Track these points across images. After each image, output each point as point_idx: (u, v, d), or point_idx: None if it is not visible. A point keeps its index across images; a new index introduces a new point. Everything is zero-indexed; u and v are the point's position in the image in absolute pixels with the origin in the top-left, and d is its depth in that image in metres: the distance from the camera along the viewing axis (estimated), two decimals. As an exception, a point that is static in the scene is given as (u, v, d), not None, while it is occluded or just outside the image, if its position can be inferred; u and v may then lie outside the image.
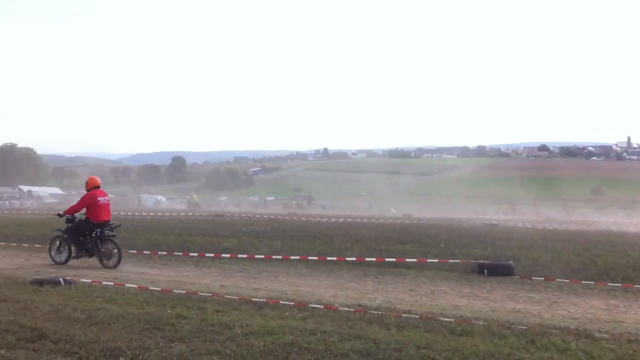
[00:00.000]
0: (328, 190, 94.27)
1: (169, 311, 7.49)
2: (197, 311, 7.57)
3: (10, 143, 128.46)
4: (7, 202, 71.55)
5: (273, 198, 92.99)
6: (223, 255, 14.22)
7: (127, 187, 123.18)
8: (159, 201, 75.45)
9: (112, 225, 13.62)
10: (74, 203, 14.35)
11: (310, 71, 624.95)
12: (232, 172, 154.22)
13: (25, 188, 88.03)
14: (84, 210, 13.55)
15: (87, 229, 13.30)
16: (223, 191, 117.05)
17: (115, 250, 13.01)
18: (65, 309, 7.46)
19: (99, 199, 13.53)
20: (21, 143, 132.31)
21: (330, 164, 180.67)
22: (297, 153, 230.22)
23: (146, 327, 6.59)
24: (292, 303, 8.33)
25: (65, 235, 13.54)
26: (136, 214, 38.88)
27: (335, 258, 13.81)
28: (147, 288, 9.45)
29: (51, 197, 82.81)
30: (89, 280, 10.16)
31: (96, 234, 13.15)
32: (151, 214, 40.00)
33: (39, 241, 17.05)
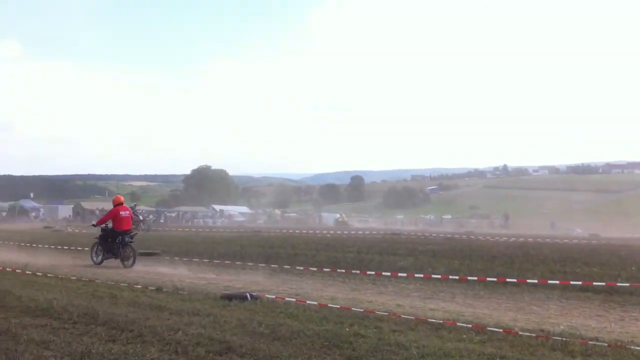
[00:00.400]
0: (506, 209, 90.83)
1: (347, 329, 7.66)
2: (374, 330, 7.66)
3: (205, 165, 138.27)
4: (201, 220, 77.16)
5: (450, 216, 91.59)
6: (400, 274, 14.25)
7: (308, 206, 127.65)
8: (338, 219, 77.21)
9: (132, 234, 17.23)
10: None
11: (487, 86, 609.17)
12: (408, 191, 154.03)
13: (217, 207, 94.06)
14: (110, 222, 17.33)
15: (112, 237, 16.93)
16: (400, 209, 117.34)
17: (132, 254, 16.62)
18: (251, 323, 7.83)
19: (121, 213, 17.17)
20: (215, 165, 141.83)
21: (509, 181, 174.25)
22: (475, 170, 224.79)
23: (325, 344, 6.77)
24: (470, 325, 8.17)
25: (98, 241, 17.23)
26: (317, 232, 40.17)
27: (515, 280, 13.27)
28: (327, 305, 9.73)
29: (240, 215, 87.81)
30: (273, 296, 10.67)
31: (119, 240, 16.77)
32: (331, 232, 41.10)
33: (229, 257, 18.22)
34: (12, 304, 9.04)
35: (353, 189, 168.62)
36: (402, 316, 8.79)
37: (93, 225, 18.35)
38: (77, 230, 39.94)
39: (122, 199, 18.13)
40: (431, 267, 15.85)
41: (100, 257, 17.09)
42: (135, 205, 43.31)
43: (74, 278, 13.18)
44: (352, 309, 9.36)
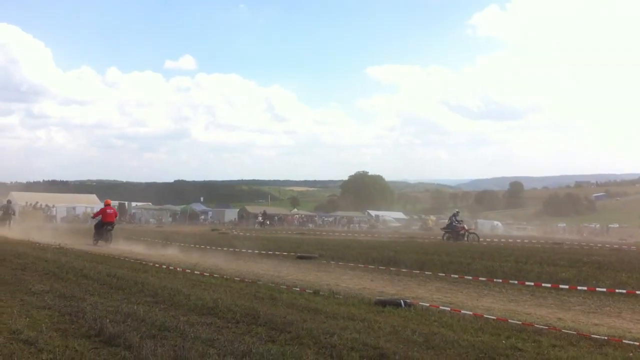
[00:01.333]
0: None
1: (503, 341, 7.45)
2: (533, 344, 7.39)
3: (363, 171, 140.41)
4: (357, 225, 78.23)
5: (617, 225, 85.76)
6: (561, 285, 13.59)
7: (464, 212, 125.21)
8: (495, 226, 75.11)
9: (113, 225, 26.18)
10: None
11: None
12: (572, 197, 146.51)
13: (373, 213, 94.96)
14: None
15: (101, 226, 25.77)
16: (561, 217, 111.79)
17: (111, 238, 25.58)
18: (405, 330, 7.84)
19: (107, 210, 26.32)
20: (372, 170, 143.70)
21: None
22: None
23: (480, 355, 6.65)
24: (637, 343, 7.63)
25: (94, 230, 26.18)
26: (473, 239, 39.25)
27: (693, 296, 12.22)
28: (482, 316, 9.52)
29: (395, 221, 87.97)
30: (427, 304, 10.61)
31: (105, 228, 25.66)
32: (487, 239, 40.02)
33: (383, 263, 18.34)
34: (181, 303, 9.70)
35: (511, 195, 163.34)
36: (563, 330, 8.40)
37: (93, 217, 30.06)
38: (241, 233, 41.96)
39: (109, 202, 28.60)
40: (596, 280, 14.95)
41: (96, 241, 25.45)
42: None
43: (238, 279, 13.88)
44: (509, 320, 9.08)
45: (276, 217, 79.28)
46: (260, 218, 64.30)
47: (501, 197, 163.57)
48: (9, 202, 40.04)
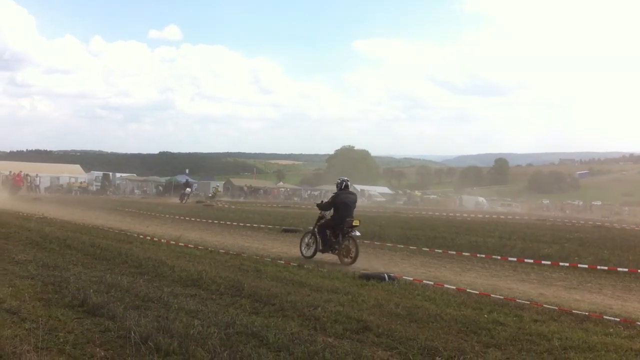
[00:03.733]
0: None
1: (485, 315, 7.53)
2: (514, 318, 7.48)
3: (349, 145, 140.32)
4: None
5: (600, 203, 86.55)
6: (543, 262, 13.72)
7: (449, 188, 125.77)
8: (479, 202, 75.55)
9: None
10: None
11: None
12: (556, 175, 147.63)
13: (358, 187, 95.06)
14: None
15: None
16: (545, 194, 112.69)
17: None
18: (388, 304, 7.90)
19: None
20: (358, 145, 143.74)
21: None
22: (631, 155, 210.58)
23: (462, 329, 6.71)
24: (618, 319, 7.75)
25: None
26: (457, 214, 39.54)
27: (672, 273, 12.39)
28: (465, 290, 9.61)
29: (380, 196, 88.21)
30: (411, 278, 10.69)
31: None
32: (471, 215, 40.28)
33: (368, 237, 18.36)
34: (165, 274, 9.70)
35: (496, 171, 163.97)
36: (545, 306, 8.50)
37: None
38: (226, 206, 41.91)
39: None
40: (578, 256, 15.14)
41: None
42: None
43: (222, 251, 13.88)
44: (492, 295, 9.18)
45: (261, 190, 79.19)
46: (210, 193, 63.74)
47: (486, 173, 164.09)
48: None
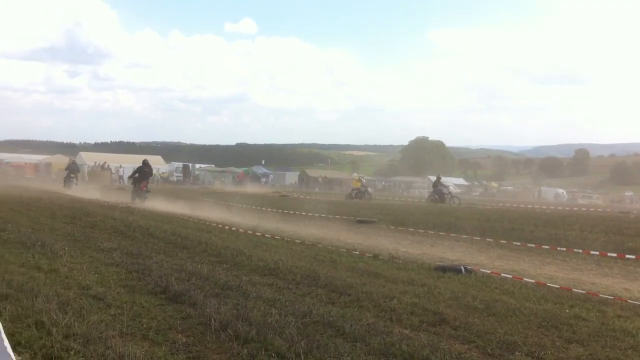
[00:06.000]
0: None
1: (567, 310, 7.34)
2: (597, 314, 7.25)
3: (423, 136, 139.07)
4: (417, 190, 77.72)
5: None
6: (627, 255, 13.18)
7: (527, 180, 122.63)
8: (559, 194, 73.43)
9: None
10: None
11: None
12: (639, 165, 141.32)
13: (433, 178, 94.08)
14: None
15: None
16: (629, 186, 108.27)
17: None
18: (465, 297, 7.81)
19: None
20: (432, 136, 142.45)
21: None
22: None
23: (543, 324, 6.56)
24: None
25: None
26: (536, 206, 38.53)
27: None
28: (545, 284, 9.38)
29: (456, 187, 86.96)
30: (488, 271, 10.51)
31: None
32: (550, 207, 39.17)
33: (443, 229, 18.19)
34: (243, 263, 9.90)
35: (576, 162, 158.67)
36: (629, 301, 8.20)
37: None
38: (301, 197, 42.29)
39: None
40: (665, 251, 14.49)
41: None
42: None
43: (298, 241, 14.04)
44: (573, 289, 8.92)
45: (336, 181, 79.50)
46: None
47: (566, 164, 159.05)
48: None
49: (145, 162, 28.41)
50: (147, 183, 27.90)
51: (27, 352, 4.79)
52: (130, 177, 30.22)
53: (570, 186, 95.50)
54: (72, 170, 38.14)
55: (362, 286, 8.12)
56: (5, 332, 3.05)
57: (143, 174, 27.56)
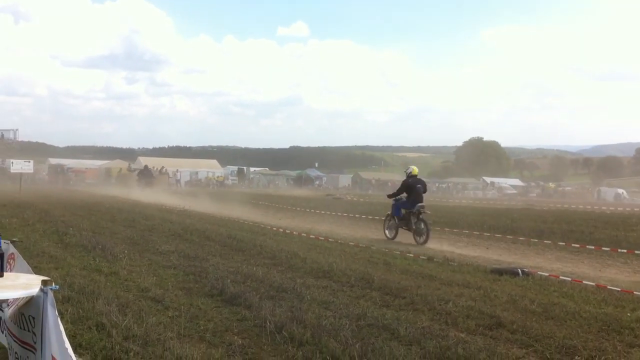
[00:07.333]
0: None
1: (628, 314, 7.12)
2: (661, 318, 7.03)
3: (477, 137, 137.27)
4: (471, 192, 76.78)
5: None
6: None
7: (586, 180, 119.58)
8: (619, 195, 71.28)
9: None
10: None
11: None
12: None
13: (488, 179, 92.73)
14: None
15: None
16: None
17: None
18: (522, 300, 7.67)
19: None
20: (487, 136, 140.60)
21: None
22: None
23: (603, 328, 6.39)
24: None
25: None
26: (595, 207, 37.55)
27: None
28: (606, 287, 9.13)
29: (511, 188, 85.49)
30: (546, 274, 10.30)
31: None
32: (611, 208, 38.09)
33: (499, 231, 17.94)
34: (297, 265, 9.96)
35: (638, 162, 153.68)
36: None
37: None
38: (354, 199, 42.27)
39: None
40: None
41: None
42: None
43: (352, 244, 14.06)
44: (635, 293, 8.66)
45: (390, 183, 79.20)
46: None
47: (626, 163, 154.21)
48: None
49: (145, 167, 34.29)
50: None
51: (87, 353, 4.95)
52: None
53: (631, 186, 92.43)
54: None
55: (416, 289, 8.08)
56: (66, 333, 3.15)
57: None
